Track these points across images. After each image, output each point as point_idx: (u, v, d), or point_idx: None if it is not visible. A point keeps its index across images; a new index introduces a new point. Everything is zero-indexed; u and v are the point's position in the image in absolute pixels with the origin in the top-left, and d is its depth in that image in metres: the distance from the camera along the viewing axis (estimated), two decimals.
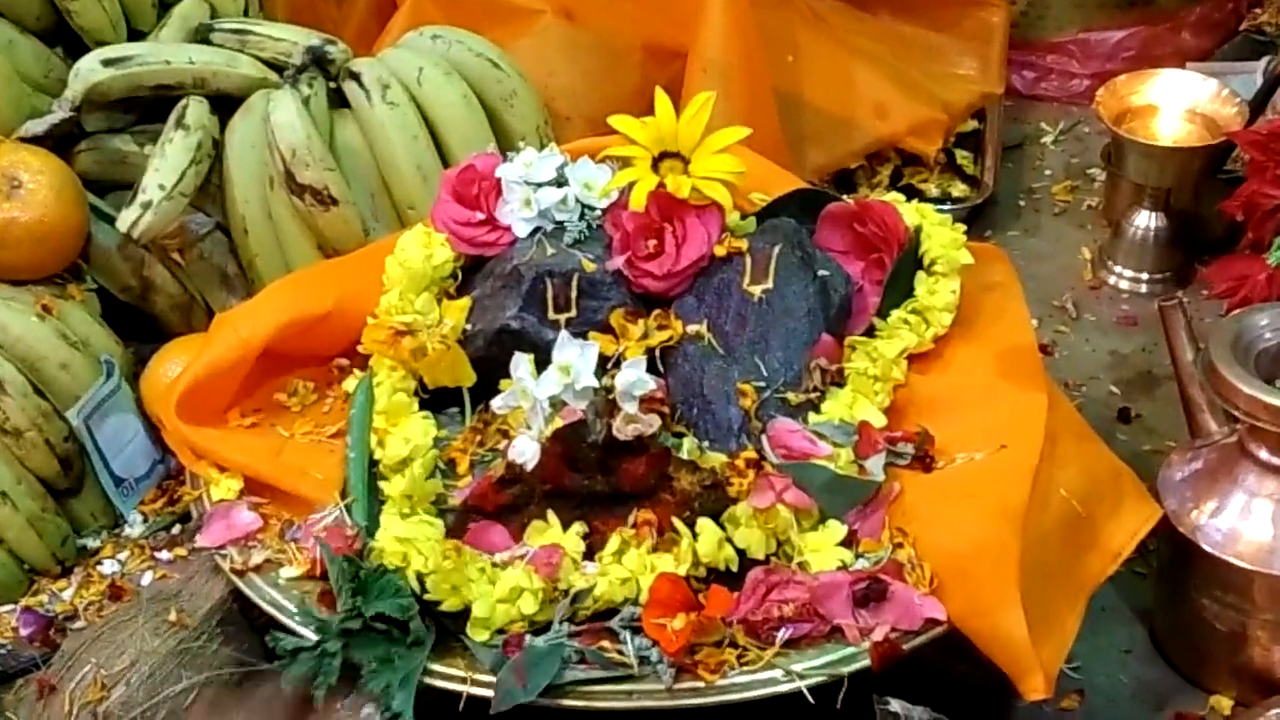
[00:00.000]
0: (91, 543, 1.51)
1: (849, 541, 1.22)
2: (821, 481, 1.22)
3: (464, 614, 1.17)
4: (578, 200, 1.40)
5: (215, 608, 1.29)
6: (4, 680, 1.39)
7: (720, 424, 1.30)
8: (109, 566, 1.46)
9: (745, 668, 1.15)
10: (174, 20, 1.73)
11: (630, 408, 1.22)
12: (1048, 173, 2.13)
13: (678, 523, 1.21)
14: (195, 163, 1.57)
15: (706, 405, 1.31)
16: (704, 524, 1.21)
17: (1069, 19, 2.27)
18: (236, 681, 1.27)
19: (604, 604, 1.18)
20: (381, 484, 1.28)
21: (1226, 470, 1.36)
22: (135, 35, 1.74)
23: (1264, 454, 1.33)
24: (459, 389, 1.37)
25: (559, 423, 1.23)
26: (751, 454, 1.25)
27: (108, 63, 1.61)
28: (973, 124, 2.10)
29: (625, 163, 1.40)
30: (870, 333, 1.36)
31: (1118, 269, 1.91)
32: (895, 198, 1.45)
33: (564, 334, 1.27)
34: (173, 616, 1.28)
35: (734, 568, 1.21)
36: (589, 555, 1.21)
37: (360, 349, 1.37)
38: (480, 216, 1.42)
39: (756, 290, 1.35)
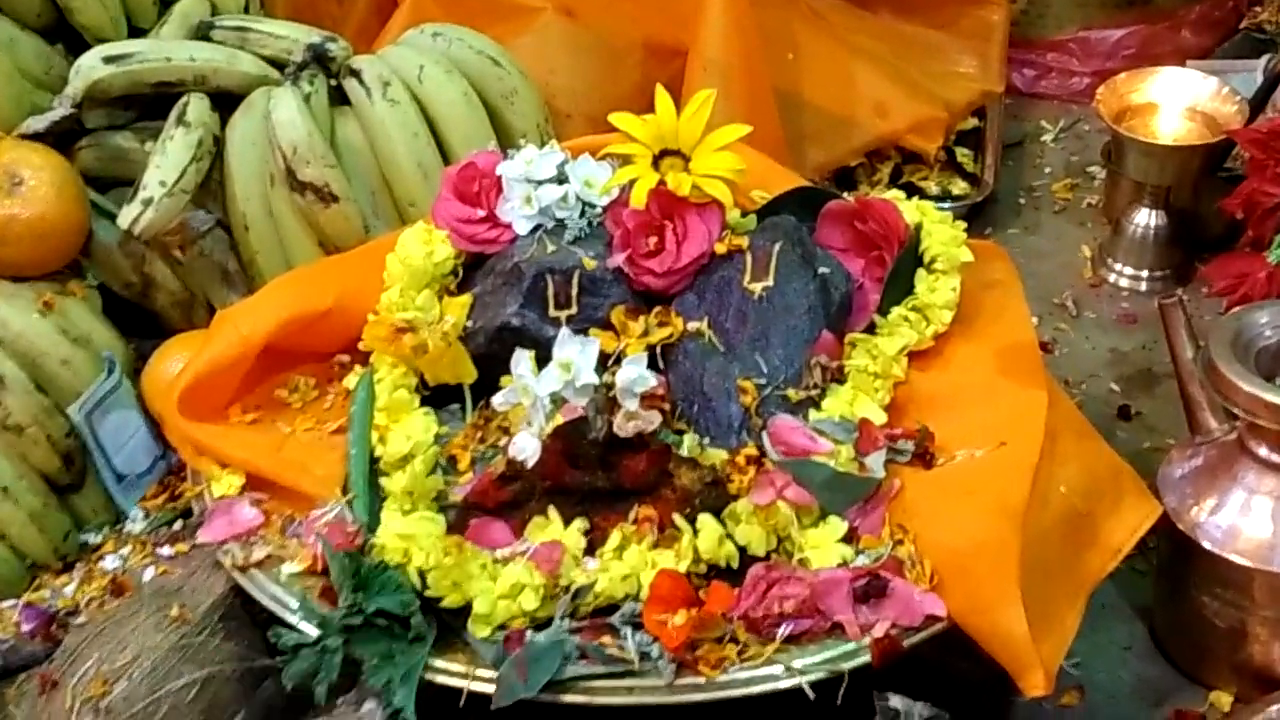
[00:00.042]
0: (93, 538, 1.51)
1: (849, 538, 1.22)
2: (822, 478, 1.22)
3: (465, 610, 1.17)
4: (578, 198, 1.40)
5: (217, 603, 1.29)
6: (6, 675, 1.39)
7: (721, 421, 1.30)
8: (110, 562, 1.46)
9: (746, 664, 1.15)
10: (175, 17, 1.73)
11: (631, 405, 1.22)
12: (1048, 171, 2.13)
13: (678, 519, 1.21)
14: (196, 160, 1.57)
15: (707, 402, 1.31)
16: (704, 520, 1.21)
17: (1069, 17, 2.27)
18: (238, 677, 1.27)
19: (605, 600, 1.19)
20: (383, 480, 1.28)
21: (1226, 467, 1.36)
22: (136, 32, 1.74)
23: (1264, 451, 1.34)
24: (460, 386, 1.37)
25: (560, 419, 1.23)
26: (752, 451, 1.26)
27: (109, 60, 1.61)
28: (973, 122, 2.10)
29: (626, 160, 1.40)
30: (871, 330, 1.36)
31: (1118, 267, 1.92)
32: (896, 195, 1.45)
33: (565, 331, 1.27)
34: (174, 612, 1.28)
35: (734, 564, 1.21)
36: (590, 551, 1.21)
37: (361, 346, 1.37)
38: (481, 214, 1.42)
39: (757, 288, 1.35)
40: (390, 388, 1.34)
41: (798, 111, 1.97)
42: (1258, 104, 1.86)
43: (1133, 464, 1.34)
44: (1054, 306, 1.87)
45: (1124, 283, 1.91)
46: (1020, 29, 2.26)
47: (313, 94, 1.63)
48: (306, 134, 1.57)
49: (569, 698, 1.15)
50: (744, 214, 1.43)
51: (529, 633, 1.17)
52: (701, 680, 1.14)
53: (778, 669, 1.15)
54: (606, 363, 1.28)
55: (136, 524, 1.51)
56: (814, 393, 1.31)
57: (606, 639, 1.17)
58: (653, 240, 1.36)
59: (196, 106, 1.61)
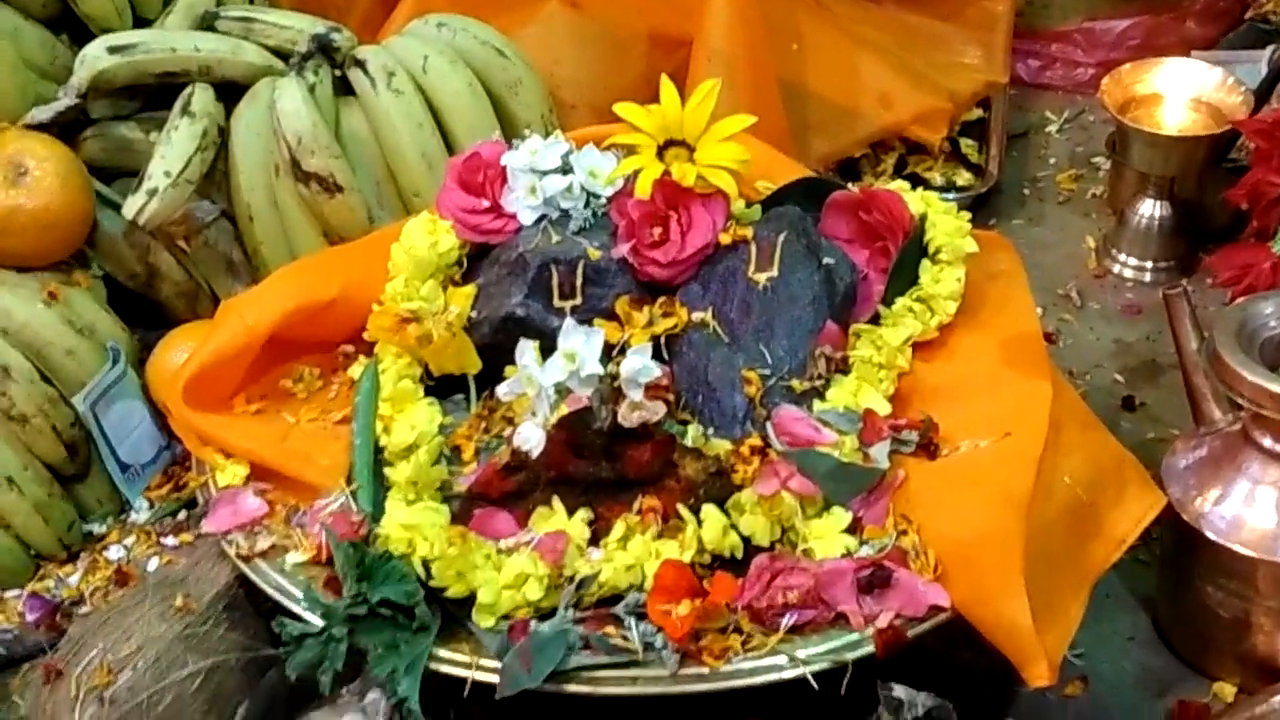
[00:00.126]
0: (97, 528, 1.52)
1: (853, 528, 1.22)
2: (826, 469, 1.22)
3: (469, 600, 1.17)
4: (583, 188, 1.40)
5: (221, 593, 1.29)
6: (10, 665, 1.40)
7: (725, 411, 1.30)
8: (115, 552, 1.47)
9: (749, 654, 1.15)
10: (180, 7, 1.73)
11: (635, 395, 1.22)
12: (1052, 161, 2.13)
13: (683, 509, 1.21)
14: (201, 150, 1.57)
15: (711, 392, 1.31)
16: (709, 511, 1.21)
17: (1074, 8, 2.27)
18: (242, 666, 1.27)
19: (609, 590, 1.18)
20: (387, 470, 1.28)
21: (1230, 458, 1.36)
22: (141, 22, 1.74)
23: (1268, 442, 1.34)
24: (464, 376, 1.37)
25: (564, 410, 1.23)
26: (756, 441, 1.25)
27: (113, 50, 1.61)
28: (977, 113, 2.10)
29: (630, 151, 1.39)
30: (875, 320, 1.36)
31: (1122, 257, 1.91)
32: (900, 186, 1.45)
33: (569, 321, 1.27)
34: (179, 602, 1.28)
35: (739, 554, 1.21)
36: (594, 542, 1.21)
37: (366, 336, 1.37)
38: (485, 204, 1.42)
39: (761, 278, 1.35)
40: (395, 378, 1.34)
41: (802, 102, 1.97)
42: (1263, 94, 1.86)
43: (1137, 455, 1.34)
44: (1058, 297, 1.87)
45: (1128, 273, 1.91)
46: (1025, 19, 2.26)
47: (317, 84, 1.63)
48: (311, 124, 1.58)
49: (573, 688, 1.15)
50: (748, 204, 1.43)
51: (533, 623, 1.17)
52: (705, 670, 1.14)
53: (782, 659, 1.15)
54: (611, 353, 1.28)
55: (141, 514, 1.51)
56: (818, 383, 1.31)
57: (610, 629, 1.17)
58: (657, 231, 1.36)
59: (201, 97, 1.61)
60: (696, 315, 1.34)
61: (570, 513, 1.22)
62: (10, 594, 1.45)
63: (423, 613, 1.16)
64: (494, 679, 1.14)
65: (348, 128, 1.65)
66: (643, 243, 1.36)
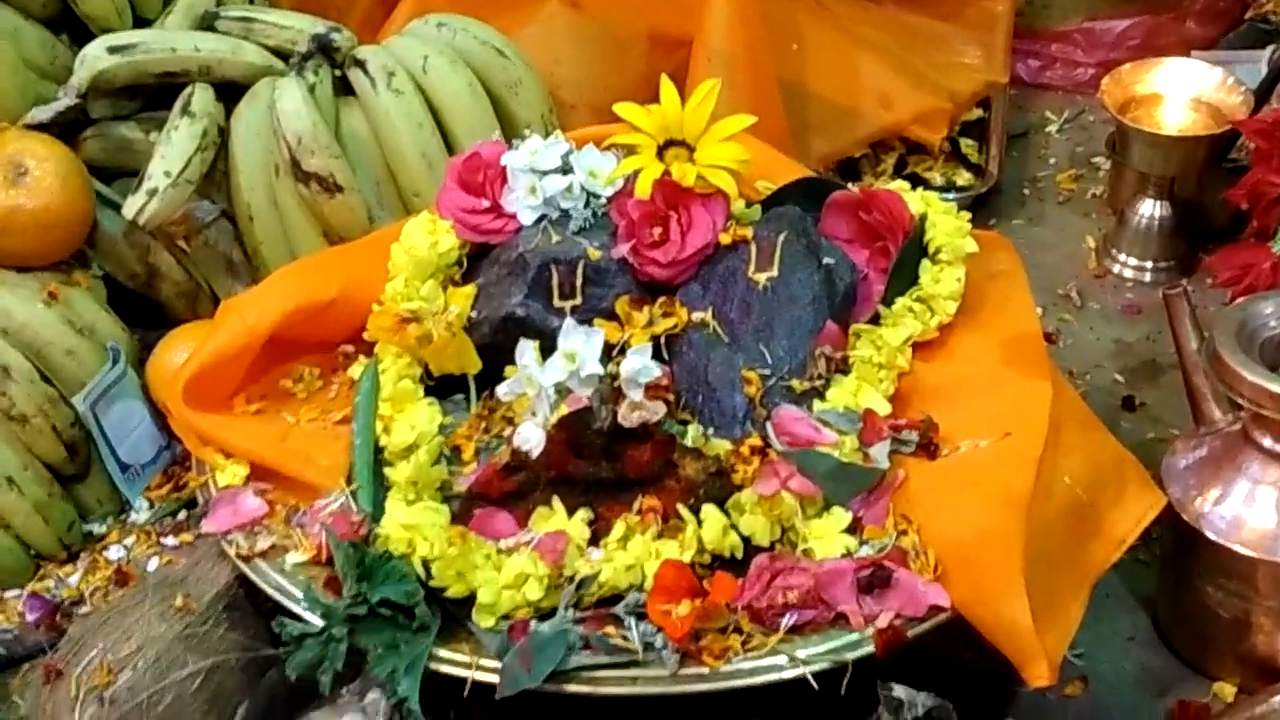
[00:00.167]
0: (97, 528, 1.52)
1: (853, 528, 1.22)
2: (826, 469, 1.22)
3: (469, 600, 1.17)
4: (583, 188, 1.40)
5: (221, 593, 1.29)
6: (10, 665, 1.40)
7: (725, 411, 1.30)
8: (115, 552, 1.47)
9: (749, 654, 1.15)
10: (180, 7, 1.73)
11: (635, 395, 1.22)
12: (1052, 161, 2.13)
13: (683, 509, 1.21)
14: (201, 150, 1.57)
15: (711, 392, 1.31)
16: (709, 511, 1.21)
17: (1074, 8, 2.27)
18: (242, 666, 1.27)
19: (609, 590, 1.18)
20: (387, 470, 1.28)
21: (1230, 458, 1.36)
22: (141, 22, 1.74)
23: (1268, 442, 1.34)
24: (464, 376, 1.37)
25: (564, 410, 1.23)
26: (756, 441, 1.25)
27: (113, 50, 1.61)
28: (977, 113, 2.10)
29: (630, 151, 1.39)
30: (875, 320, 1.36)
31: (1122, 257, 1.91)
32: (900, 186, 1.45)
33: (569, 321, 1.27)
34: (179, 602, 1.28)
35: (739, 554, 1.21)
36: (594, 542, 1.21)
37: (366, 336, 1.37)
38: (485, 204, 1.42)
39: (761, 278, 1.35)
40: (395, 378, 1.34)
41: (802, 102, 1.97)
42: (1263, 94, 1.86)
43: (1137, 455, 1.34)
44: (1058, 297, 1.87)
45: (1128, 273, 1.91)
46: (1025, 19, 2.26)
47: (317, 84, 1.63)
48: (311, 124, 1.58)
49: (573, 688, 1.15)
50: (748, 204, 1.43)
51: (533, 623, 1.17)
52: (705, 670, 1.14)
53: (781, 659, 1.15)
54: (611, 353, 1.28)
55: (141, 514, 1.51)
56: (818, 383, 1.31)
57: (610, 629, 1.17)
58: (657, 231, 1.36)
59: (201, 97, 1.61)
60: (696, 315, 1.34)
61: (570, 513, 1.22)
62: (10, 594, 1.45)
63: (423, 613, 1.16)
64: (494, 679, 1.14)
65: (348, 128, 1.65)
66: (643, 243, 1.36)
